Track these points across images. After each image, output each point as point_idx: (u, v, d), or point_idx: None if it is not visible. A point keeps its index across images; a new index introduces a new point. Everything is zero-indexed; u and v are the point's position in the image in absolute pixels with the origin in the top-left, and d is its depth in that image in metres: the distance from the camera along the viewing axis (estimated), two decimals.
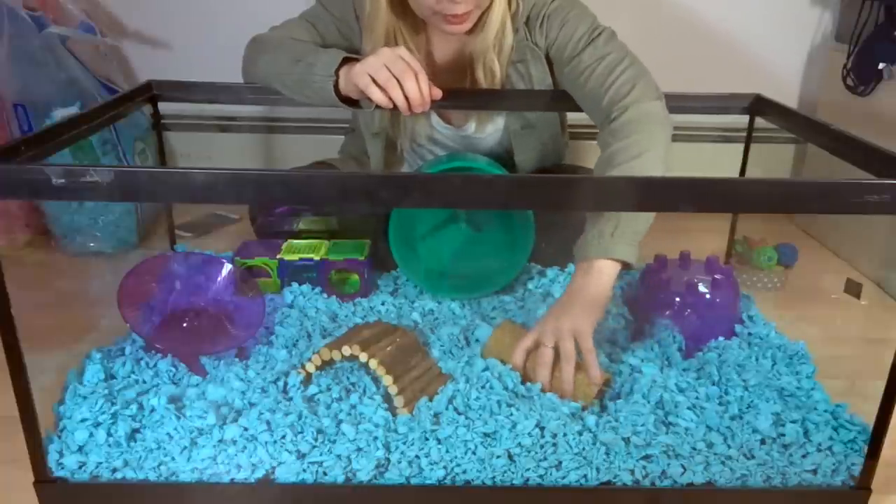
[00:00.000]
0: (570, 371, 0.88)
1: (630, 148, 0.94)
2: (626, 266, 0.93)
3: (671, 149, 0.96)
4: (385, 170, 1.24)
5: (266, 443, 0.80)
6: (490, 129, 1.22)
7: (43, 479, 0.77)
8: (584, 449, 0.80)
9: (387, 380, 0.85)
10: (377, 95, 0.95)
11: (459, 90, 1.13)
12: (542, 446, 0.80)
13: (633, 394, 0.89)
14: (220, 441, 0.80)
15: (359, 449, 0.80)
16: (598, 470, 0.78)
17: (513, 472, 0.79)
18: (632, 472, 0.79)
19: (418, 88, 0.95)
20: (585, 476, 0.78)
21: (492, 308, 1.12)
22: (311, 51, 1.06)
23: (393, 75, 0.94)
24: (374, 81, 0.94)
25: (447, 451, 0.80)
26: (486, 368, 0.92)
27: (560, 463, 0.79)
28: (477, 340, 1.00)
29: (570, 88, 1.09)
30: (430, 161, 1.22)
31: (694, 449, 0.81)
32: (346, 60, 1.00)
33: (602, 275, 0.92)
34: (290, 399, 0.86)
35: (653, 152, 0.93)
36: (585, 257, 0.93)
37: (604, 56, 1.03)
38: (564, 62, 1.08)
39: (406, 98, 0.95)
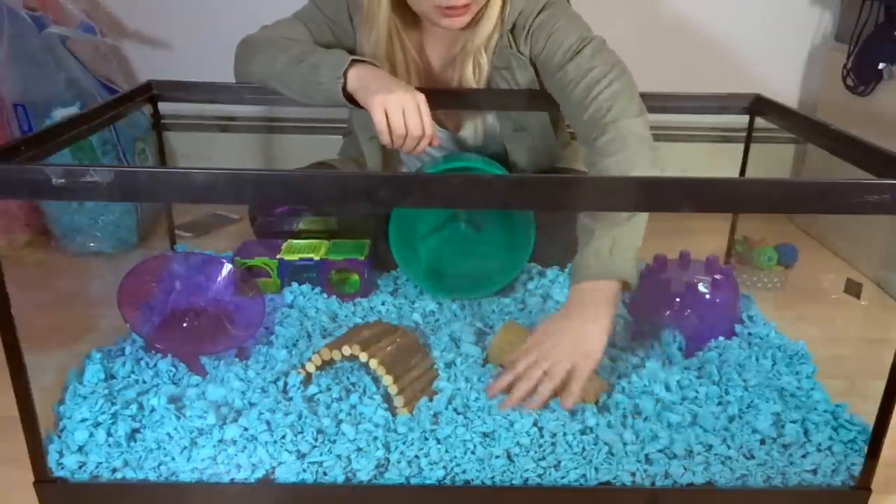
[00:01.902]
0: (544, 396, 0.85)
1: (618, 165, 0.92)
2: (625, 286, 0.90)
3: (659, 162, 0.93)
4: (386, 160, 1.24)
5: (266, 443, 0.80)
6: (484, 132, 1.22)
7: (43, 479, 0.77)
8: (584, 449, 0.80)
9: (387, 380, 0.85)
10: (385, 136, 0.97)
11: (454, 91, 1.13)
12: (540, 446, 0.80)
13: (634, 394, 0.89)
14: (220, 441, 0.80)
15: (359, 449, 0.80)
16: (597, 470, 0.78)
17: (512, 472, 0.79)
18: (633, 474, 0.79)
19: (416, 146, 0.98)
20: (585, 476, 0.78)
21: (492, 310, 1.12)
22: (313, 51, 1.06)
23: (405, 123, 0.96)
24: (387, 119, 0.96)
25: (447, 451, 0.80)
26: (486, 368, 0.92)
27: (559, 462, 0.79)
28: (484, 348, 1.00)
29: (557, 98, 1.09)
30: (429, 161, 1.22)
31: (694, 449, 0.81)
32: (353, 62, 1.00)
33: (604, 298, 0.88)
34: (290, 399, 0.86)
35: (639, 170, 0.91)
36: (585, 278, 0.90)
37: (589, 70, 1.01)
38: (552, 72, 1.07)
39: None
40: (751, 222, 1.39)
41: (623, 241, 0.90)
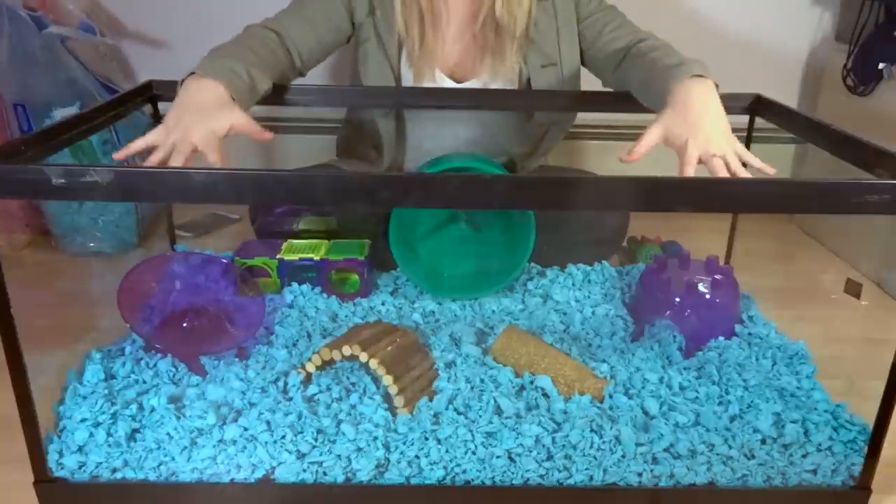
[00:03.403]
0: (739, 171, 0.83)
1: (667, 53, 1.02)
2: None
3: None
4: (398, 146, 1.26)
5: (266, 443, 0.80)
6: (502, 80, 1.20)
7: (43, 479, 0.78)
8: (585, 450, 0.80)
9: (387, 380, 0.85)
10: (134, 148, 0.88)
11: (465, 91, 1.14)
12: (543, 446, 0.80)
13: (635, 395, 0.90)
14: (220, 441, 0.80)
15: (359, 449, 0.80)
16: (605, 471, 0.78)
17: (513, 473, 0.79)
18: (640, 474, 0.79)
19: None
20: (589, 477, 0.78)
21: (492, 310, 1.12)
22: (218, 51, 1.03)
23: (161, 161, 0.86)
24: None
25: (447, 452, 0.80)
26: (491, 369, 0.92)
27: (562, 463, 0.79)
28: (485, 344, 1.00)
29: (582, 42, 1.17)
30: (429, 161, 1.22)
31: (697, 449, 0.81)
32: (192, 74, 0.95)
33: (708, 86, 0.90)
34: (290, 399, 0.86)
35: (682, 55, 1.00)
36: (687, 75, 0.91)
37: (620, 24, 1.16)
38: (584, 17, 1.16)
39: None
40: (750, 222, 1.39)
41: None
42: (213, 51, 1.04)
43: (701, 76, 0.92)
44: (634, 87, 1.07)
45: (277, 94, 1.12)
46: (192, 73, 0.95)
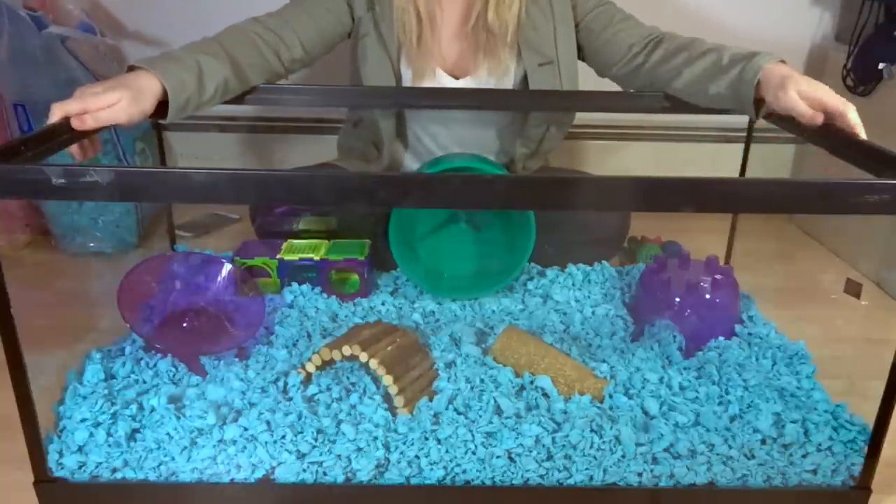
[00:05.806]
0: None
1: (695, 44, 1.06)
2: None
3: None
4: (399, 146, 1.26)
5: (266, 443, 0.80)
6: (497, 79, 1.20)
7: (43, 479, 0.77)
8: (585, 450, 0.80)
9: (387, 380, 0.85)
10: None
11: (460, 91, 1.13)
12: (543, 446, 0.80)
13: (635, 395, 0.90)
14: (220, 441, 0.80)
15: (359, 449, 0.80)
16: (605, 471, 0.78)
17: (513, 473, 0.79)
18: (640, 474, 0.79)
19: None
20: (589, 477, 0.78)
21: (492, 310, 1.12)
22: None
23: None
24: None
25: (447, 452, 0.80)
26: (491, 368, 0.92)
27: (562, 463, 0.79)
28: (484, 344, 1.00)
29: (588, 36, 1.19)
30: (430, 161, 1.22)
31: (696, 449, 0.81)
32: (131, 67, 0.94)
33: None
34: (290, 399, 0.86)
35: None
36: (764, 65, 0.96)
37: (627, 16, 1.18)
38: (585, 12, 1.18)
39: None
40: (749, 222, 1.39)
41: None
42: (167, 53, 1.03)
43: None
44: (683, 81, 1.06)
45: (277, 95, 1.12)
46: (130, 68, 0.94)
